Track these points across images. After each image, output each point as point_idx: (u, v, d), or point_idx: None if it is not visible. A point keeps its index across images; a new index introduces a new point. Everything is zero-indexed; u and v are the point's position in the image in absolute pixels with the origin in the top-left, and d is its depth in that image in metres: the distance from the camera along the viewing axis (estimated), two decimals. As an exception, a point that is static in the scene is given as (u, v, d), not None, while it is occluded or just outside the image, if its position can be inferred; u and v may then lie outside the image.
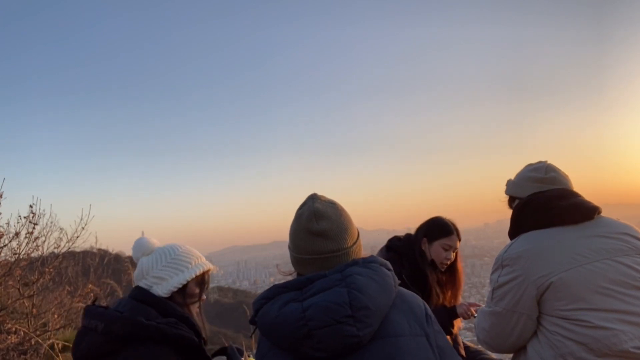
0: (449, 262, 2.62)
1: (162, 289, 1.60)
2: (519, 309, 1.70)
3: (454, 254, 2.65)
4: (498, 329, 1.78)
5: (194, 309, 1.71)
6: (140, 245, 1.67)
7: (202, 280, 1.73)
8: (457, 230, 2.64)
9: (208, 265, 1.73)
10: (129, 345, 1.43)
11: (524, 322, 1.71)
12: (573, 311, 1.60)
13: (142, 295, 1.59)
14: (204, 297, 1.75)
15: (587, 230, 1.71)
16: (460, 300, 2.77)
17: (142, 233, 1.72)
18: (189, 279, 1.64)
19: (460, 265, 2.71)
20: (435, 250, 2.61)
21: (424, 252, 2.62)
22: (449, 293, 2.70)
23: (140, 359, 1.42)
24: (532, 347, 1.71)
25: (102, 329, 1.43)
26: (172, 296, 1.63)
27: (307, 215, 1.35)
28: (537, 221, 1.78)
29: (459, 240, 2.65)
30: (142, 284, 1.63)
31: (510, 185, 2.03)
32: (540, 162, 1.98)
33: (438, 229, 2.63)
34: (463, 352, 2.58)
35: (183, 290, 1.65)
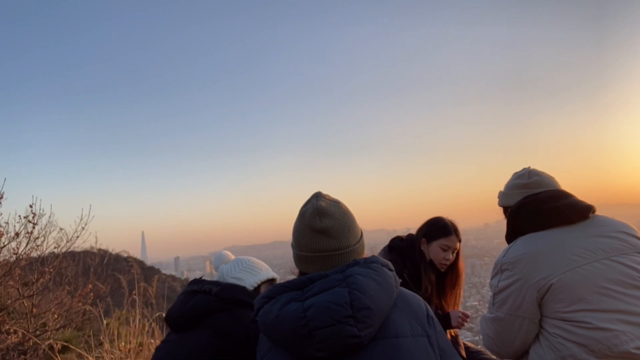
0: (448, 263, 2.61)
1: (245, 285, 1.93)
2: (521, 313, 1.70)
3: (454, 254, 2.64)
4: (502, 335, 1.78)
5: None
6: (222, 256, 2.06)
7: (271, 285, 1.94)
8: (457, 230, 2.63)
9: (275, 275, 2.03)
10: (233, 307, 1.76)
11: (527, 326, 1.70)
12: (573, 313, 1.60)
13: (230, 285, 1.88)
14: None
15: (584, 230, 1.72)
16: (461, 301, 2.76)
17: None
18: (262, 281, 1.95)
19: (462, 265, 2.69)
20: (433, 251, 2.60)
21: (423, 252, 2.61)
22: (449, 294, 2.68)
23: (240, 319, 1.74)
24: (534, 350, 1.71)
25: (216, 291, 1.77)
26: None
27: (311, 212, 1.35)
28: (533, 223, 1.78)
29: (459, 241, 2.64)
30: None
31: (501, 196, 2.06)
32: (523, 169, 2.02)
33: (437, 229, 2.63)
34: (463, 353, 2.58)
35: (257, 291, 1.94)
